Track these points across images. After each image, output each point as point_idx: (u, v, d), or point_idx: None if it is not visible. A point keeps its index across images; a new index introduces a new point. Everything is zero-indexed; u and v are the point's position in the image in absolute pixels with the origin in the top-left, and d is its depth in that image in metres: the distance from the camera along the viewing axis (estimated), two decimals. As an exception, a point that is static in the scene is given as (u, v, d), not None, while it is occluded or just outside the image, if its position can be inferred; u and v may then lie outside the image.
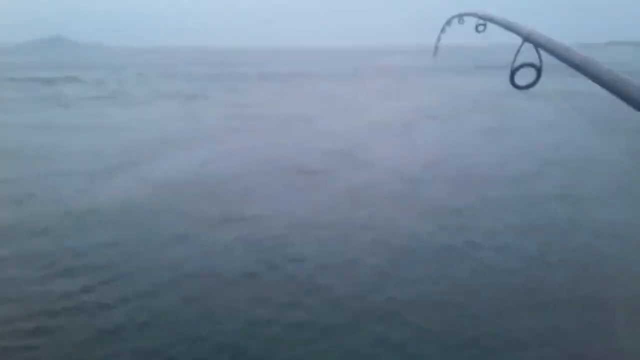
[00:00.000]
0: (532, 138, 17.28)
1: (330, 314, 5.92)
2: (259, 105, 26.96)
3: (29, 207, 9.98)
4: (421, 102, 27.94)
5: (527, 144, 16.08)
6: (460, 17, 4.54)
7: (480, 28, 3.51)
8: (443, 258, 7.50)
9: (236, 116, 22.77)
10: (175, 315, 5.90)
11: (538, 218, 9.19)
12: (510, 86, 2.16)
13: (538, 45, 2.00)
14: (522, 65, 2.11)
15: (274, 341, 5.43)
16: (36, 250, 7.76)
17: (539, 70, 2.11)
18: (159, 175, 12.40)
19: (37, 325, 5.67)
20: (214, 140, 17.26)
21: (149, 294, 6.41)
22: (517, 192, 10.90)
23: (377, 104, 27.80)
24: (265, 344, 5.38)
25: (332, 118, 22.36)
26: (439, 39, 5.98)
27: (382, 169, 12.97)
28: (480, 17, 3.37)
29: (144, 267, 7.22)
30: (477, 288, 6.54)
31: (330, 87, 38.44)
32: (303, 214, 9.51)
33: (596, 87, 1.60)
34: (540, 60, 2.06)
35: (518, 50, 2.11)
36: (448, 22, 5.15)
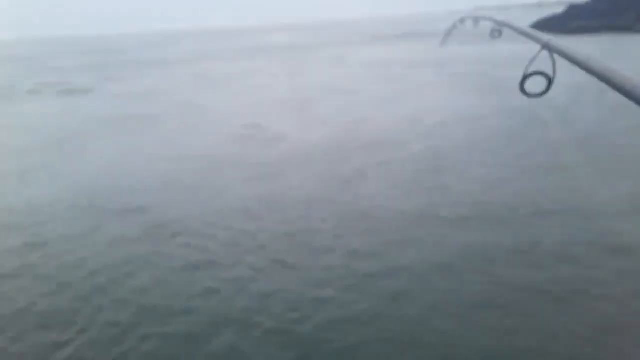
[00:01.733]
0: (419, 104, 18.13)
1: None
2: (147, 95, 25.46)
3: None
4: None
5: (413, 111, 16.82)
6: (476, 20, 4.47)
7: (496, 34, 3.41)
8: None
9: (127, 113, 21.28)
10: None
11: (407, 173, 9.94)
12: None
13: (556, 53, 1.89)
14: (534, 73, 2.03)
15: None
16: None
17: (550, 80, 2.04)
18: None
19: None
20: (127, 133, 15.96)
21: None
22: (397, 155, 11.81)
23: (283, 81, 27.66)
24: None
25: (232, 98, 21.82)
26: (449, 33, 6.01)
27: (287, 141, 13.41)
28: (496, 23, 3.30)
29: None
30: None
31: (226, 67, 37.43)
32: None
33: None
34: (554, 70, 1.98)
35: (534, 58, 2.00)
36: (462, 21, 5.11)
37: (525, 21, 55.78)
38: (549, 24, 48.04)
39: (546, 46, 2.00)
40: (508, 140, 12.57)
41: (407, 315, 5.59)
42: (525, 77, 2.09)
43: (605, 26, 43.75)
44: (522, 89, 2.12)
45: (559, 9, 56.54)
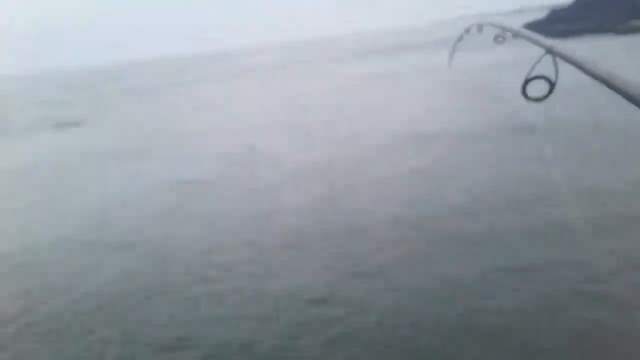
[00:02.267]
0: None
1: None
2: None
3: None
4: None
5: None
6: (480, 26, 4.39)
7: (500, 39, 3.41)
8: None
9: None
10: None
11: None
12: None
13: (559, 57, 1.92)
14: (536, 77, 2.05)
15: None
16: None
17: (552, 85, 2.04)
18: None
19: None
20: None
21: None
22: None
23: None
24: None
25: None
26: (455, 47, 5.67)
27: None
28: (501, 28, 3.28)
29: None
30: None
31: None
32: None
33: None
34: (556, 75, 2.00)
35: (537, 62, 2.03)
36: (467, 31, 5.01)
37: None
38: (532, 29, 48.47)
39: (549, 50, 2.03)
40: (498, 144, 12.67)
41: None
42: (527, 81, 2.10)
43: (588, 29, 44.40)
44: (524, 93, 2.13)
45: (540, 14, 57.38)
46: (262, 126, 20.35)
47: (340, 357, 5.35)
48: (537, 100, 2.12)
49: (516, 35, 3.17)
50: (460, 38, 5.40)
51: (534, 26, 50.44)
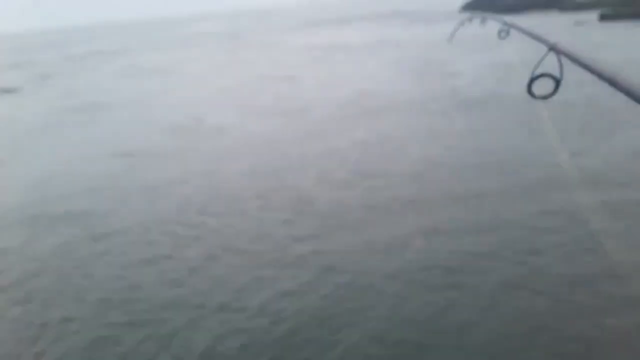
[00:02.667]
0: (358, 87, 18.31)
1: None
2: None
3: None
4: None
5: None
6: (484, 19, 4.51)
7: (503, 34, 3.43)
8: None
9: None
10: None
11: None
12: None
13: (563, 55, 1.91)
14: (542, 75, 2.04)
15: None
16: None
17: (558, 82, 2.05)
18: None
19: None
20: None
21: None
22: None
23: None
24: None
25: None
26: (456, 29, 6.36)
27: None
28: (504, 23, 3.31)
29: None
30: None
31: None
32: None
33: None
34: (561, 72, 1.99)
35: (541, 60, 2.01)
36: (469, 19, 5.22)
37: (454, 3, 57.45)
38: (478, 4, 49.33)
39: (553, 48, 2.02)
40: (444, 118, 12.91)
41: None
42: (532, 79, 2.08)
43: (534, 4, 45.47)
44: (530, 91, 2.11)
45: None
46: (210, 97, 19.87)
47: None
48: (544, 98, 2.11)
49: (518, 30, 3.25)
50: (462, 24, 5.93)
51: (479, 1, 51.11)
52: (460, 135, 11.63)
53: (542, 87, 2.14)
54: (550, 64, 2.04)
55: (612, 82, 1.53)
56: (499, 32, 3.71)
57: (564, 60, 1.93)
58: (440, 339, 5.02)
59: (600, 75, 1.60)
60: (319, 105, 16.19)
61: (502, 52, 13.86)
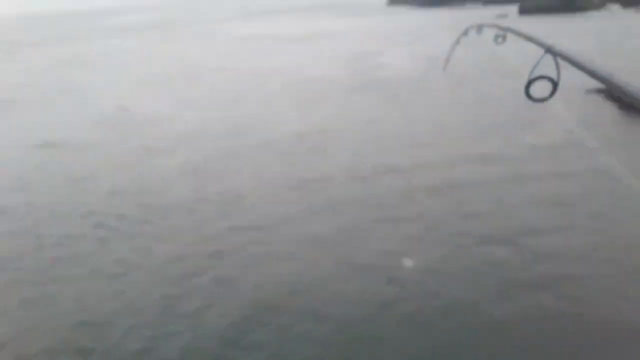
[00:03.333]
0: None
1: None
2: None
3: None
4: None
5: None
6: (480, 27, 4.38)
7: (499, 40, 3.36)
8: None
9: None
10: None
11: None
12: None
13: (559, 56, 1.88)
14: (539, 77, 1.97)
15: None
16: None
17: (555, 84, 1.99)
18: None
19: None
20: None
21: None
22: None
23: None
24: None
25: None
26: (452, 49, 5.61)
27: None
28: (500, 29, 3.27)
29: None
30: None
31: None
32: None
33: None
34: (558, 74, 1.94)
35: (538, 62, 1.96)
36: (465, 33, 4.96)
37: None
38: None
39: (549, 50, 1.99)
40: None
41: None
42: (530, 82, 2.03)
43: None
44: (527, 94, 2.06)
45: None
46: (138, 89, 19.09)
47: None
48: (541, 100, 2.08)
49: (514, 34, 3.16)
50: (458, 42, 5.45)
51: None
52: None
53: (540, 89, 2.08)
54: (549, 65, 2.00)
55: (608, 82, 1.61)
56: (496, 38, 3.69)
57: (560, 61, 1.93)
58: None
59: (596, 76, 1.67)
60: (253, 96, 16.12)
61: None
